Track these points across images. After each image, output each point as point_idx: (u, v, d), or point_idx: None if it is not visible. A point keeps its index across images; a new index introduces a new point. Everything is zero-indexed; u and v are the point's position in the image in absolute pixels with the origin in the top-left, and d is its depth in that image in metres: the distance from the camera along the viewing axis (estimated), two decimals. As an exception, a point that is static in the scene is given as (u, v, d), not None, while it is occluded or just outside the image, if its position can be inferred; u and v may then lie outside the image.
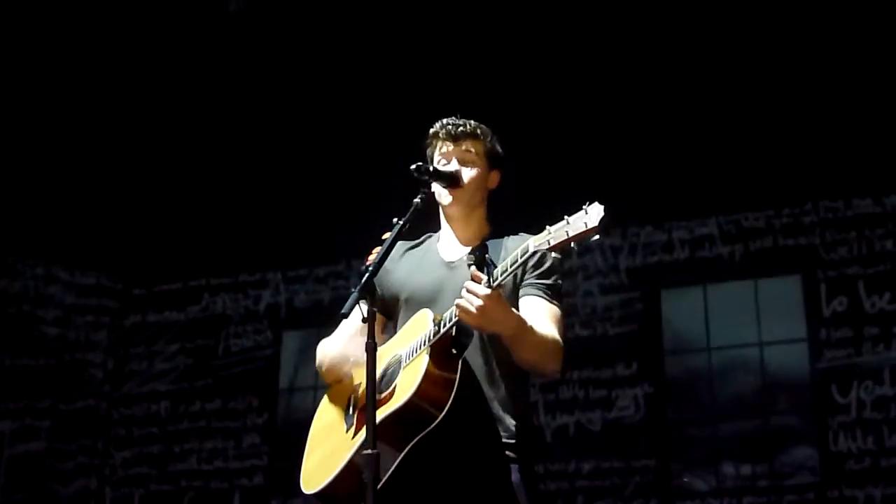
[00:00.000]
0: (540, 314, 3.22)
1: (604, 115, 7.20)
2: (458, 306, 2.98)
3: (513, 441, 3.17)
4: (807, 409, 7.20)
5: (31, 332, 8.48)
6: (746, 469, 7.19)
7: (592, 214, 2.74)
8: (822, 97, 6.93)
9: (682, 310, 7.69)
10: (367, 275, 2.99)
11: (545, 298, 3.26)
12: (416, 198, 3.25)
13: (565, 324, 3.30)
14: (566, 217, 2.80)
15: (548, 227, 2.85)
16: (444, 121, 3.46)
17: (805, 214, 7.52)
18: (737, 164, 7.36)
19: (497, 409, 3.19)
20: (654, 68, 6.93)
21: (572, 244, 2.78)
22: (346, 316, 2.93)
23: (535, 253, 2.90)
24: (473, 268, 3.06)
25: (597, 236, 2.75)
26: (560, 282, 3.32)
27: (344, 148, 7.57)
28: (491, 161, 3.46)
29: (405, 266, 3.47)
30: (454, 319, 3.01)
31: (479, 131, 3.45)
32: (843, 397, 7.04)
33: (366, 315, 2.96)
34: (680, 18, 6.57)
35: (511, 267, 2.94)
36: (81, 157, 7.83)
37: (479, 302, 2.93)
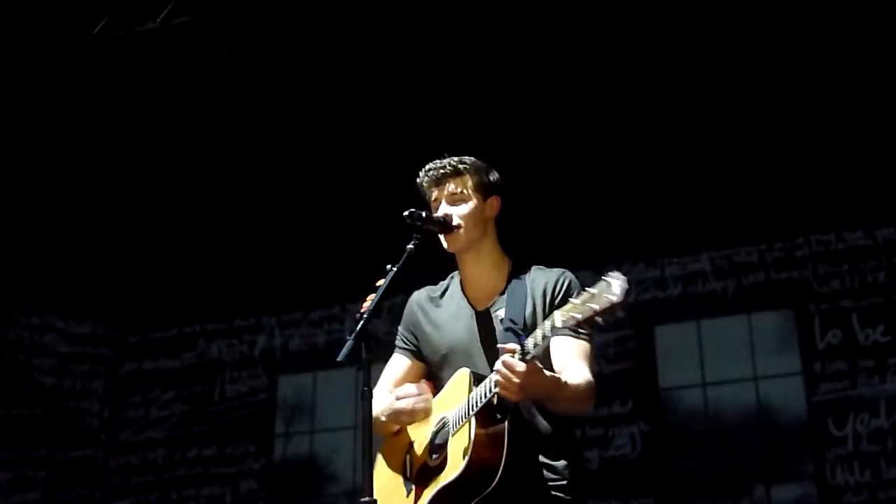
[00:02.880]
0: (570, 354, 3.26)
1: (596, 152, 7.23)
2: (497, 383, 2.99)
3: (564, 483, 3.22)
4: (803, 442, 7.19)
5: (27, 381, 8.46)
6: (745, 504, 7.17)
7: (615, 287, 2.75)
8: (812, 131, 6.97)
9: (676, 346, 7.69)
10: (361, 321, 3.01)
11: (573, 335, 3.26)
12: (409, 244, 3.26)
13: (593, 353, 3.33)
14: (588, 289, 2.82)
15: (571, 300, 2.87)
16: (426, 167, 3.48)
17: (797, 248, 7.55)
18: (728, 199, 7.39)
19: (546, 455, 3.24)
20: (646, 106, 6.96)
21: (598, 319, 2.79)
22: (342, 363, 2.95)
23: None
24: (505, 342, 3.07)
25: (621, 312, 2.78)
26: None
27: (338, 192, 7.59)
28: (483, 191, 3.46)
29: (440, 318, 3.51)
30: (494, 391, 3.02)
31: (460, 167, 3.45)
32: (840, 430, 7.03)
33: (362, 361, 2.98)
34: (670, 57, 6.61)
35: (542, 342, 2.94)
36: (75, 206, 7.84)
37: (517, 380, 2.94)
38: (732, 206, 7.43)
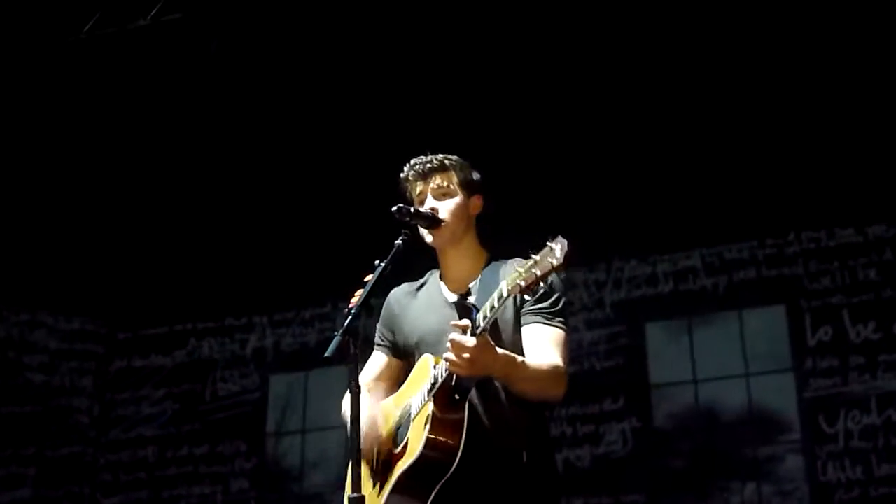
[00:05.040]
0: (539, 341, 3.24)
1: (587, 150, 7.23)
2: (446, 360, 3.01)
3: (530, 470, 3.22)
4: (795, 439, 7.20)
5: (16, 378, 8.45)
6: (736, 501, 7.17)
7: (557, 251, 2.77)
8: (802, 128, 6.97)
9: (667, 343, 7.69)
10: (349, 317, 3.00)
11: (544, 322, 3.27)
12: (397, 239, 3.27)
13: (568, 341, 3.31)
14: (532, 255, 2.83)
15: (516, 267, 2.89)
16: (412, 161, 3.50)
17: (788, 245, 7.55)
18: (719, 196, 7.39)
19: (511, 442, 3.22)
20: (636, 103, 6.96)
21: (541, 283, 2.82)
22: (329, 359, 2.94)
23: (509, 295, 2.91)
24: (457, 317, 3.09)
25: (563, 273, 2.84)
26: (562, 300, 3.33)
27: (328, 190, 7.58)
28: (467, 188, 3.48)
29: (414, 310, 3.51)
30: (446, 370, 3.04)
31: (447, 163, 3.47)
32: (831, 427, 7.04)
33: (350, 356, 2.96)
34: (664, 53, 6.61)
35: (490, 313, 2.96)
36: (66, 203, 7.83)
37: (466, 354, 2.95)
38: (723, 204, 7.44)
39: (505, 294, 2.89)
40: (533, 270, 2.80)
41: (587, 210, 7.27)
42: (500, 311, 2.97)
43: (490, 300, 2.96)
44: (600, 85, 6.85)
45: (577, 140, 7.17)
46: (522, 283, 2.82)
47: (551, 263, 2.77)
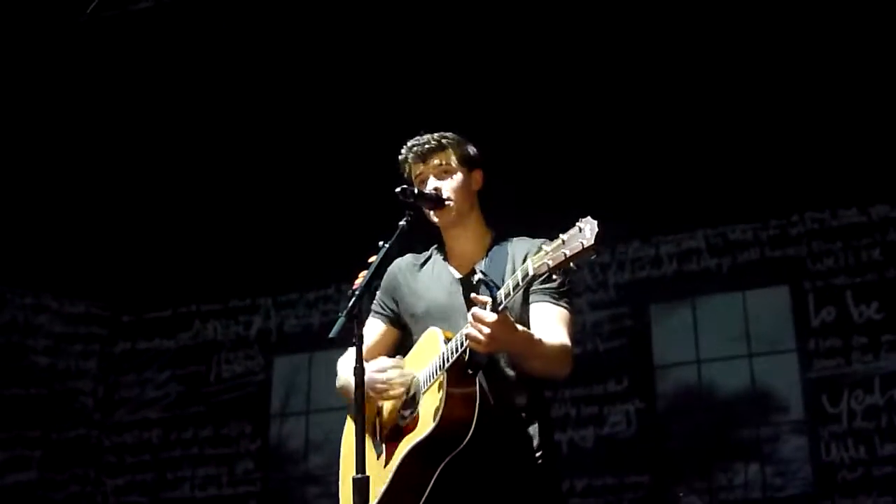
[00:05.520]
0: (548, 319, 3.27)
1: (589, 131, 7.21)
2: (466, 335, 3.01)
3: (536, 443, 3.26)
4: (798, 420, 7.20)
5: (21, 361, 8.47)
6: (739, 481, 7.18)
7: (587, 231, 2.74)
8: (806, 108, 6.95)
9: (671, 324, 7.69)
10: (353, 298, 3.00)
11: (552, 302, 3.30)
12: (401, 220, 3.27)
13: (574, 321, 3.34)
14: (561, 236, 2.81)
15: (543, 247, 2.86)
16: (409, 143, 3.50)
17: (791, 226, 7.54)
18: (722, 176, 7.38)
19: (518, 415, 3.27)
20: (639, 84, 6.94)
21: (571, 264, 2.79)
22: (333, 340, 2.94)
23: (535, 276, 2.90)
24: (461, 294, 3.09)
25: (594, 255, 2.76)
26: (568, 281, 3.33)
27: (332, 172, 7.57)
28: (467, 164, 3.48)
29: (420, 283, 3.52)
30: (465, 343, 3.04)
31: (444, 141, 3.47)
32: (834, 407, 7.05)
33: (355, 337, 2.97)
34: (667, 36, 6.60)
35: (514, 291, 2.95)
36: (69, 186, 7.82)
37: (487, 330, 2.95)
38: (727, 184, 7.42)
39: (531, 273, 2.88)
40: (562, 250, 2.78)
41: (590, 190, 7.25)
42: (522, 289, 2.95)
43: (514, 278, 2.95)
44: (603, 67, 6.84)
45: (580, 122, 7.15)
46: (551, 263, 2.81)
47: (582, 244, 2.74)
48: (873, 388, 7.01)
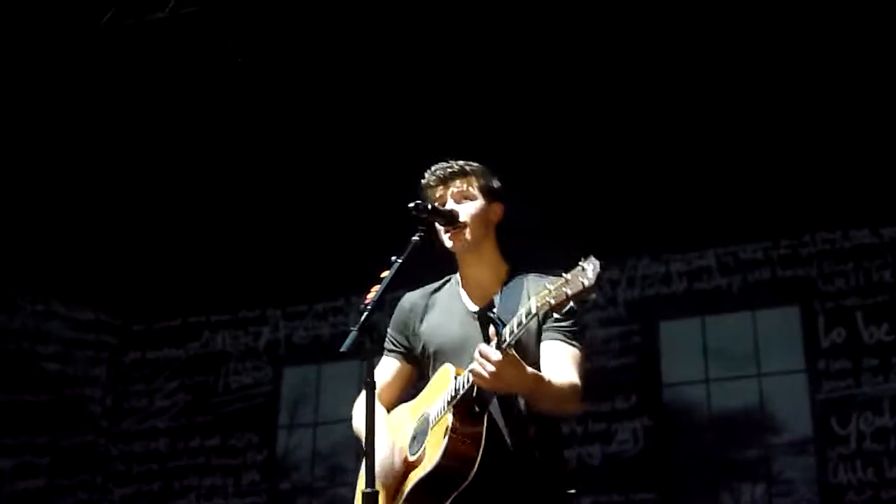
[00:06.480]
0: (559, 357, 3.25)
1: (601, 148, 7.22)
2: (471, 372, 3.00)
3: (545, 483, 3.23)
4: (806, 440, 7.18)
5: (31, 368, 8.48)
6: (746, 501, 7.17)
7: (590, 272, 2.74)
8: (819, 129, 6.95)
9: (680, 342, 7.68)
10: (366, 312, 3.00)
11: (564, 341, 3.28)
12: (414, 235, 3.26)
13: (584, 361, 3.31)
14: (563, 274, 2.82)
15: (546, 285, 2.87)
16: (433, 168, 3.48)
17: (803, 246, 7.53)
18: (734, 196, 7.38)
19: (528, 453, 3.23)
20: (651, 101, 6.95)
21: (571, 303, 2.80)
22: (345, 354, 2.94)
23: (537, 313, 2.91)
24: (479, 329, 3.09)
25: (594, 295, 2.77)
26: (579, 321, 3.34)
27: (343, 185, 7.58)
28: (489, 195, 3.45)
29: (433, 317, 3.50)
30: (471, 380, 3.03)
31: (468, 168, 3.45)
32: (843, 429, 7.02)
33: (366, 352, 2.98)
34: (675, 52, 6.60)
35: (517, 329, 2.94)
36: (81, 194, 7.84)
37: (491, 367, 2.93)
38: (738, 203, 7.42)
39: (534, 311, 2.88)
40: (564, 289, 2.79)
41: (601, 207, 7.26)
42: (526, 326, 2.95)
43: (517, 316, 2.95)
44: (613, 85, 6.84)
45: (590, 140, 7.16)
46: (552, 301, 2.82)
47: (583, 284, 2.74)
48: (883, 410, 6.99)
